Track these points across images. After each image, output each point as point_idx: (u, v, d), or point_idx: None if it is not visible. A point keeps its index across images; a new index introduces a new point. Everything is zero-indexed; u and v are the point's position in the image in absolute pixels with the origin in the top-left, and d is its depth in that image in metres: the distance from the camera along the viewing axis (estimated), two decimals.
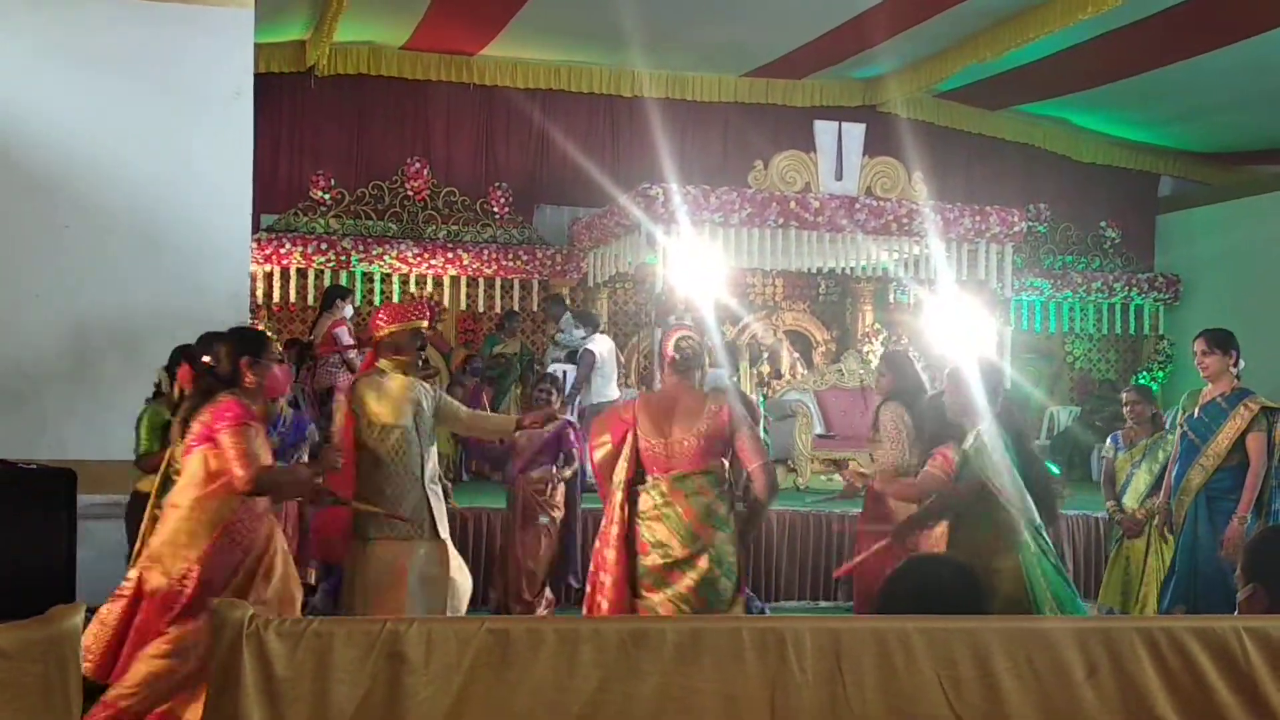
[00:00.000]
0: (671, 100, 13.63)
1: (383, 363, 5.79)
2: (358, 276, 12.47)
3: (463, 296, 13.00)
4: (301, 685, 3.47)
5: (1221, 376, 6.49)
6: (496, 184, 13.39)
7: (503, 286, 13.04)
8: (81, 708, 3.39)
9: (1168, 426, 7.37)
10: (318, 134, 13.13)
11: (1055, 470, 6.89)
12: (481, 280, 12.97)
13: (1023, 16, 10.97)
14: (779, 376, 12.14)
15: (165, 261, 8.24)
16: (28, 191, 8.06)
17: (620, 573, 5.36)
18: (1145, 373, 14.55)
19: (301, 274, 12.42)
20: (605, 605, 5.34)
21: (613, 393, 10.66)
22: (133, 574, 4.99)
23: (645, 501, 5.41)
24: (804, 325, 13.97)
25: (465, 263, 12.78)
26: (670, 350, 5.60)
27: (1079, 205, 15.21)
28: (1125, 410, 7.68)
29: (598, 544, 5.54)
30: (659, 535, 5.35)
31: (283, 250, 12.24)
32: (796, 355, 13.06)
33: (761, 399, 11.74)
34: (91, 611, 5.03)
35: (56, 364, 8.08)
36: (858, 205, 11.22)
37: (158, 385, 6.20)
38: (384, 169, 13.24)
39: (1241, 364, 6.57)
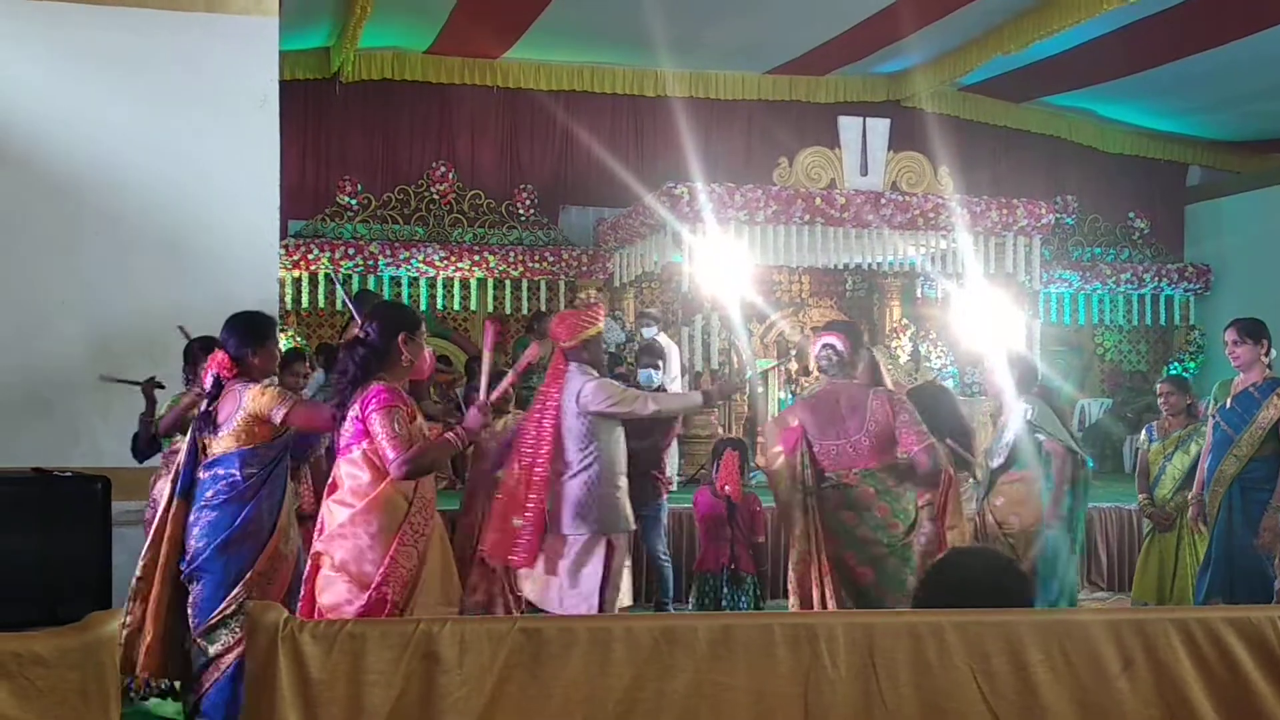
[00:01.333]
0: (695, 99, 13.62)
1: (574, 367, 5.97)
2: (385, 281, 12.51)
3: (490, 299, 13.03)
4: (336, 687, 3.49)
5: (1253, 366, 6.44)
6: (521, 186, 13.43)
7: (529, 288, 13.07)
8: (120, 714, 3.42)
9: (1202, 417, 7.33)
10: (343, 140, 13.20)
11: (1089, 464, 6.94)
12: (508, 282, 13.00)
13: (1046, 8, 10.92)
14: (806, 374, 12.11)
15: (193, 269, 8.28)
16: (53, 201, 8.10)
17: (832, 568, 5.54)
18: (1176, 363, 14.44)
19: (329, 279, 12.48)
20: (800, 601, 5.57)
21: (679, 386, 10.75)
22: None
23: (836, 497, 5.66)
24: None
25: (492, 265, 12.82)
26: (816, 356, 5.90)
27: (1107, 196, 15.12)
28: (1160, 401, 7.63)
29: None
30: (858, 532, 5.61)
31: (310, 256, 12.30)
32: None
33: (790, 396, 11.74)
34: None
35: (88, 372, 8.12)
36: (883, 200, 11.20)
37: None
38: (410, 173, 13.30)
39: (1274, 353, 6.52)
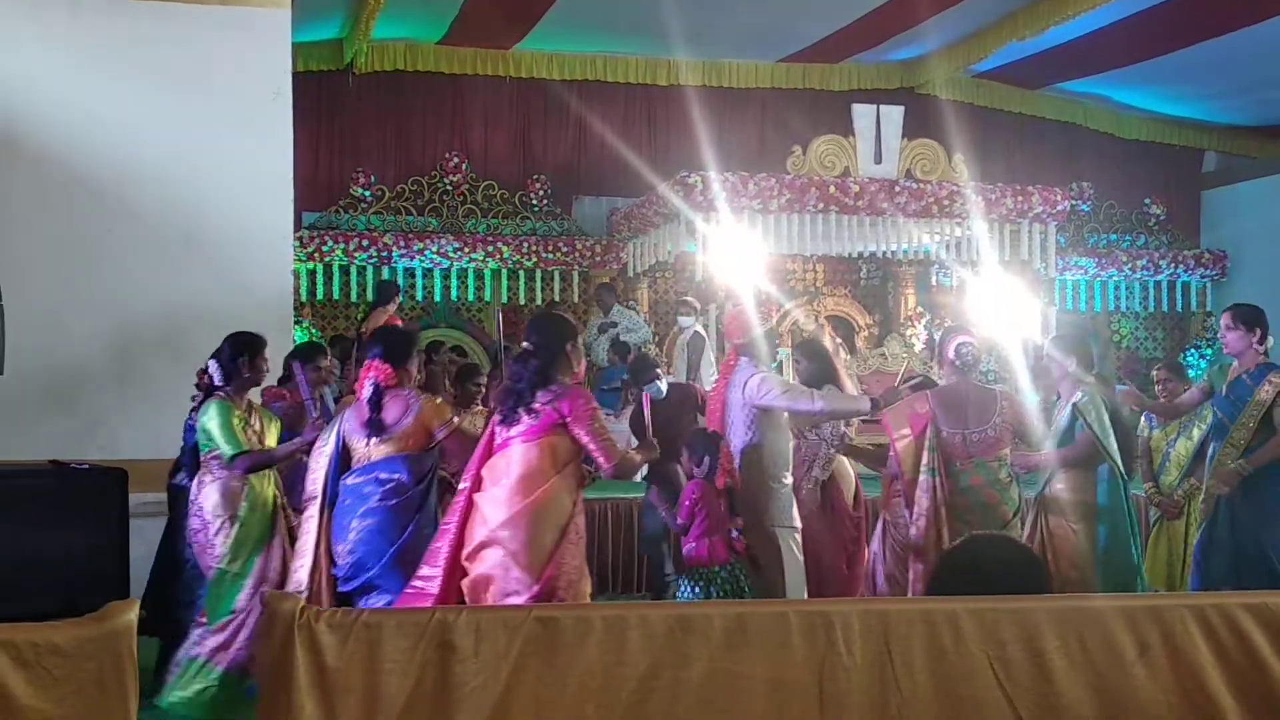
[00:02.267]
0: (708, 88, 13.58)
1: (744, 361, 6.05)
2: (400, 272, 12.53)
3: (504, 289, 13.04)
4: (353, 676, 3.51)
5: (1245, 353, 6.40)
6: (535, 176, 13.41)
7: (543, 278, 13.06)
8: (137, 704, 3.44)
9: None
10: (357, 131, 13.20)
11: (1123, 482, 6.95)
12: (522, 272, 13.00)
13: None
14: None
15: (209, 261, 8.31)
16: (69, 194, 8.14)
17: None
18: (1193, 350, 14.38)
19: (344, 271, 12.50)
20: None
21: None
22: (432, 571, 4.82)
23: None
24: (846, 310, 13.90)
25: (505, 256, 12.81)
26: (950, 354, 6.18)
27: (1122, 183, 15.04)
28: (1157, 388, 7.61)
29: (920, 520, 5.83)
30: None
31: (325, 248, 12.32)
32: (839, 340, 12.99)
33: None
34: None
35: (104, 365, 8.17)
36: (898, 188, 11.17)
37: (209, 381, 6.07)
38: (423, 164, 13.30)
39: (1270, 341, 6.46)
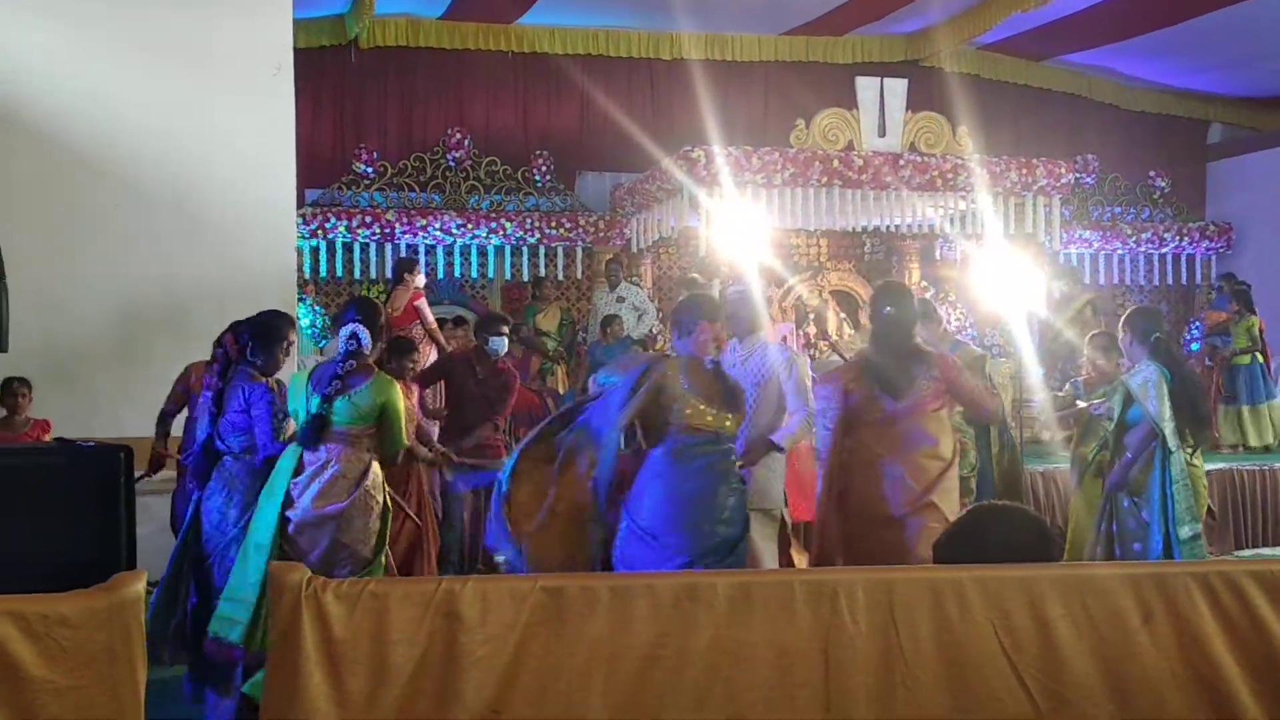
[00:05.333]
0: (711, 61, 13.53)
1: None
2: (403, 248, 12.52)
3: (507, 265, 13.03)
4: (360, 646, 3.52)
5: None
6: (538, 152, 13.38)
7: (547, 254, 13.04)
8: (145, 674, 3.45)
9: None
10: (359, 107, 13.17)
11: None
12: (525, 249, 12.98)
13: None
14: (825, 337, 12.08)
15: (211, 239, 8.30)
16: (72, 171, 8.13)
17: None
18: (1198, 323, 14.36)
19: (347, 248, 12.49)
20: None
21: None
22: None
23: None
24: (850, 285, 13.86)
25: (508, 232, 12.79)
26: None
27: (1127, 155, 15.00)
28: (1085, 361, 7.59)
29: None
30: None
31: (328, 225, 12.31)
32: (843, 316, 12.99)
33: (809, 360, 11.71)
34: (151, 584, 5.08)
35: (107, 343, 8.17)
36: (902, 162, 11.14)
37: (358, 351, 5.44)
38: (426, 140, 13.26)
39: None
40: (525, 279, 13.01)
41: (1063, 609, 3.87)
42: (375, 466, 5.32)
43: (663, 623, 3.67)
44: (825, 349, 11.82)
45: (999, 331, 12.22)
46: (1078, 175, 13.70)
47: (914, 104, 11.47)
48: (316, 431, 5.20)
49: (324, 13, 12.36)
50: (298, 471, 5.21)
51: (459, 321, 11.21)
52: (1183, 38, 12.58)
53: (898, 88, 11.39)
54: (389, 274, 12.12)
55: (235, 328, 5.67)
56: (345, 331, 5.38)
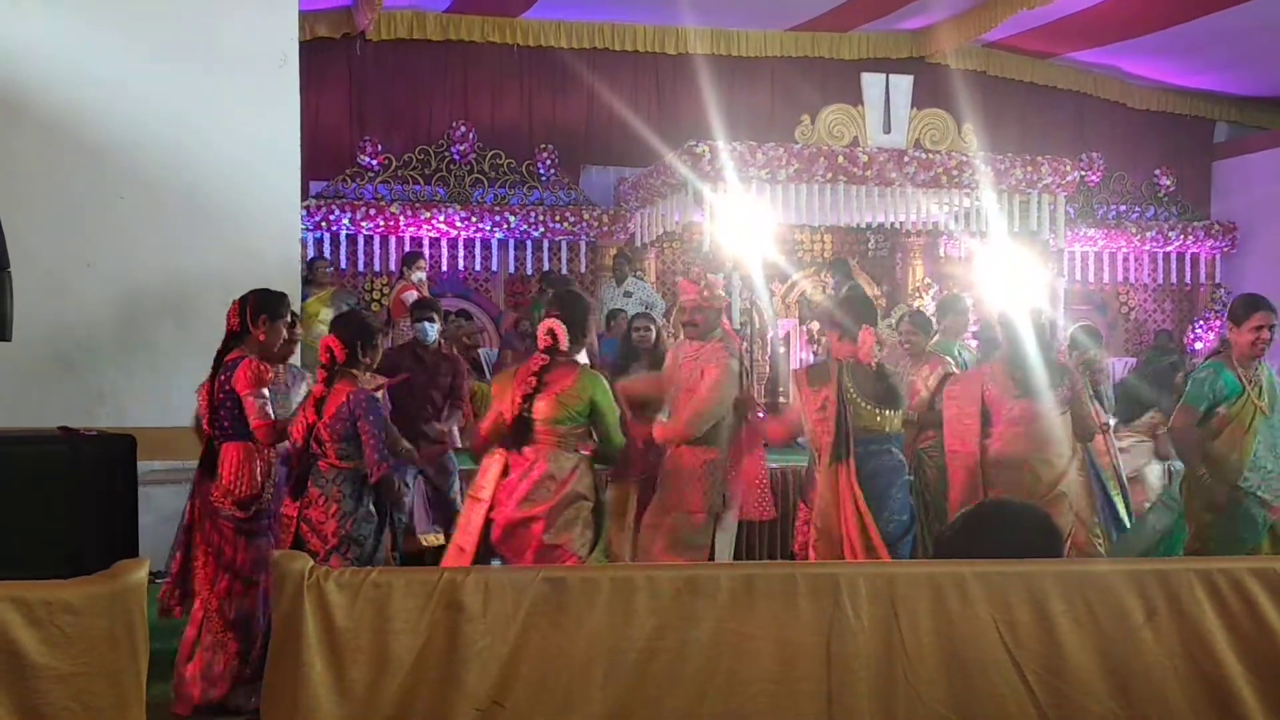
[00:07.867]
0: (717, 56, 13.53)
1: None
2: (406, 241, 12.52)
3: (510, 259, 13.03)
4: (362, 635, 3.52)
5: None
6: (542, 146, 13.37)
7: (551, 248, 13.04)
8: (147, 661, 3.45)
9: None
10: (364, 100, 13.17)
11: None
12: (529, 242, 12.98)
13: None
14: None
15: (216, 229, 8.29)
16: (77, 161, 8.11)
17: None
18: (1202, 321, 14.35)
19: (351, 240, 12.49)
20: None
21: None
22: None
23: None
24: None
25: (512, 225, 12.80)
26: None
27: (1132, 153, 14.98)
28: (900, 339, 7.52)
29: None
30: None
31: (332, 217, 12.31)
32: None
33: (813, 356, 11.69)
34: (154, 574, 5.08)
35: (111, 333, 8.16)
36: (907, 158, 11.13)
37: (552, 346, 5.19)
38: (430, 133, 13.26)
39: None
40: (529, 273, 13.00)
41: (1064, 605, 3.87)
42: (585, 467, 5.04)
43: (664, 614, 3.67)
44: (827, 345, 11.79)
45: (1002, 329, 12.18)
46: (1082, 173, 13.69)
47: (919, 100, 11.46)
48: (520, 433, 4.97)
49: (330, 5, 12.34)
50: (504, 473, 4.98)
51: (465, 316, 11.20)
52: (1188, 36, 12.56)
53: (903, 84, 11.38)
54: (392, 267, 12.14)
55: (333, 330, 5.37)
56: (542, 328, 5.13)
